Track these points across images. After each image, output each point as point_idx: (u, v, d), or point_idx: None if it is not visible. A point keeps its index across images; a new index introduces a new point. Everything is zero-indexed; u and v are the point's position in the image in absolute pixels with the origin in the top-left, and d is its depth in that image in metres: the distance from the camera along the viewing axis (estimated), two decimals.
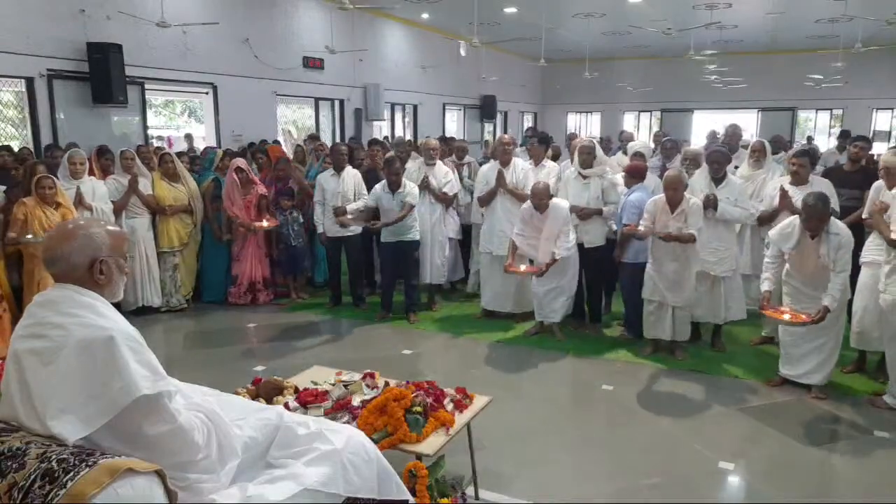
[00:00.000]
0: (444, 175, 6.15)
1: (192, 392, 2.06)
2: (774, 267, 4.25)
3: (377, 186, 5.81)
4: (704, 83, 18.48)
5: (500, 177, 5.72)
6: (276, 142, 10.00)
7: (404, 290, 5.96)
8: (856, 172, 5.51)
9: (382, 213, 5.77)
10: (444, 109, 16.84)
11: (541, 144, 6.43)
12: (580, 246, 5.34)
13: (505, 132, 17.75)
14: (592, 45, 16.18)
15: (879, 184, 4.55)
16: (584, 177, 5.43)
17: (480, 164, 6.97)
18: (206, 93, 10.07)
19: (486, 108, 18.29)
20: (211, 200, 6.37)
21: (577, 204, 5.36)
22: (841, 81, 16.48)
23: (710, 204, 4.79)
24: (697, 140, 17.57)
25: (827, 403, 4.17)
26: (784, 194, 4.90)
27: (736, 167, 5.74)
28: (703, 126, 18.62)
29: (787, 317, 4.04)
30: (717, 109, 20.23)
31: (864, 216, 4.66)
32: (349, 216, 5.90)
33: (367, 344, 5.39)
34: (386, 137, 12.90)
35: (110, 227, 1.93)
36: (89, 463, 1.55)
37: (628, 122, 22.24)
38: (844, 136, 8.69)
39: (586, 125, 23.24)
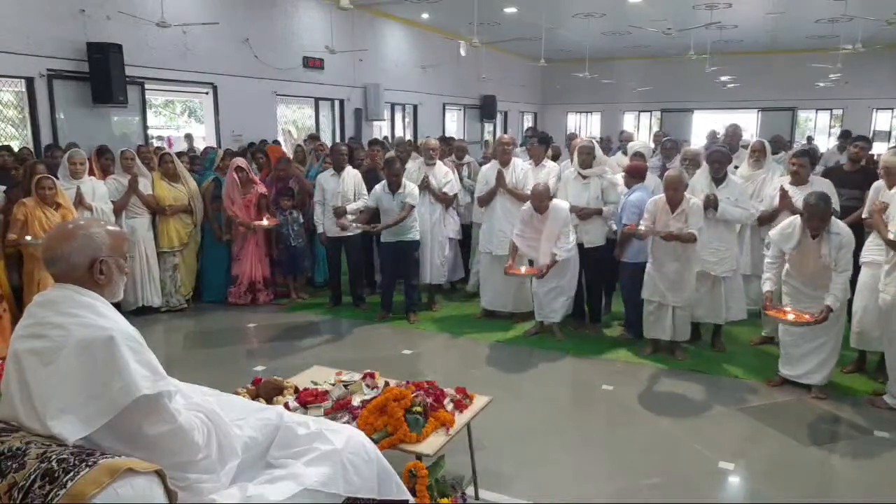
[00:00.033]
0: (444, 175, 6.15)
1: (192, 392, 2.06)
2: (776, 267, 4.25)
3: (377, 187, 5.81)
4: (704, 83, 18.47)
5: (500, 177, 5.72)
6: (276, 142, 10.01)
7: (404, 290, 5.95)
8: (856, 172, 5.52)
9: (382, 213, 5.77)
10: (444, 109, 16.84)
11: (541, 144, 6.43)
12: (580, 246, 5.34)
13: (505, 132, 17.75)
14: (592, 45, 16.18)
15: (879, 184, 4.55)
16: (584, 177, 5.43)
17: (480, 165, 6.97)
18: (206, 93, 10.07)
19: (486, 108, 18.29)
20: (211, 200, 6.37)
21: (576, 204, 5.36)
22: (841, 81, 16.47)
23: (711, 204, 4.79)
24: (697, 140, 17.58)
25: (827, 403, 4.17)
26: (784, 194, 4.90)
27: (736, 167, 5.74)
28: (703, 126, 18.62)
29: (790, 316, 4.03)
30: (717, 109, 20.23)
31: (863, 216, 4.66)
32: (349, 216, 5.90)
33: (367, 344, 5.39)
34: (386, 137, 12.91)
35: (110, 227, 1.93)
36: (89, 463, 1.55)
37: (628, 122, 22.23)
38: (845, 136, 8.69)
39: (586, 125, 23.24)
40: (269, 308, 6.35)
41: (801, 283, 4.23)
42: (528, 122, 22.25)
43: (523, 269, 5.21)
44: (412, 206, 5.66)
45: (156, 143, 9.83)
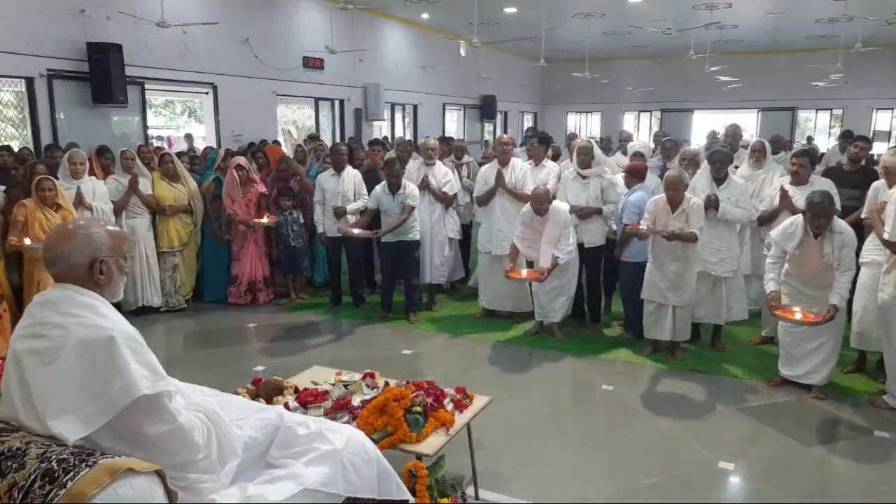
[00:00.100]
0: (444, 175, 6.15)
1: (192, 392, 2.06)
2: (778, 267, 4.25)
3: (377, 188, 5.81)
4: (704, 83, 18.47)
5: (500, 177, 5.71)
6: (276, 142, 10.00)
7: (404, 290, 5.95)
8: (856, 172, 5.52)
9: (383, 213, 5.77)
10: (444, 109, 16.85)
11: (541, 144, 6.43)
12: (580, 246, 5.34)
13: (505, 132, 17.75)
14: (592, 45, 16.18)
15: (879, 183, 4.56)
16: (583, 177, 5.43)
17: (480, 165, 6.97)
18: (206, 93, 10.07)
19: (486, 108, 18.30)
20: (211, 200, 6.37)
21: (576, 204, 5.36)
22: (841, 81, 16.48)
23: (712, 204, 4.79)
24: (697, 140, 17.59)
25: (827, 403, 4.17)
26: (784, 194, 4.90)
27: (736, 167, 5.74)
28: (703, 126, 18.63)
29: (798, 316, 4.01)
30: (717, 109, 20.23)
31: (862, 216, 4.67)
32: (349, 216, 5.92)
33: (367, 344, 5.39)
34: (385, 137, 12.91)
35: (110, 227, 1.93)
36: (89, 463, 1.55)
37: (628, 122, 22.23)
38: (846, 136, 8.70)
39: (586, 125, 23.24)
40: (269, 308, 6.35)
41: (801, 283, 4.23)
42: (528, 122, 22.25)
43: (524, 273, 5.18)
44: (412, 208, 5.66)
45: (156, 143, 9.83)
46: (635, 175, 5.37)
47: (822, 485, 3.37)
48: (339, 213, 5.99)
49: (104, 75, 7.84)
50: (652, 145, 8.31)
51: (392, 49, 14.37)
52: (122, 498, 1.53)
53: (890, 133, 18.69)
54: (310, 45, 11.60)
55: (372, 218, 5.87)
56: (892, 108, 18.64)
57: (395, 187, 5.66)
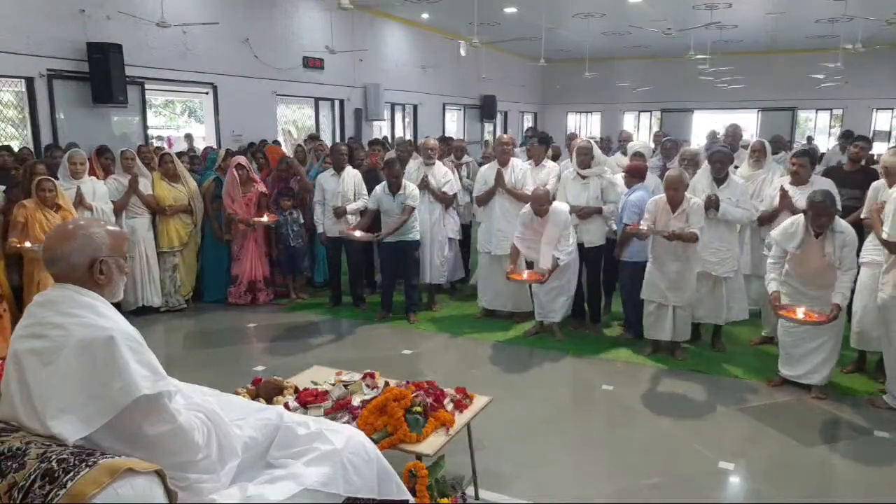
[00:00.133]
0: (444, 175, 6.15)
1: (192, 392, 2.06)
2: (779, 267, 4.24)
3: (377, 188, 5.80)
4: (704, 83, 18.48)
5: (500, 176, 5.71)
6: (276, 142, 10.01)
7: (404, 290, 5.95)
8: (856, 172, 5.52)
9: (383, 214, 5.77)
10: (444, 109, 16.85)
11: (541, 144, 6.43)
12: (580, 246, 5.33)
13: (505, 132, 17.75)
14: (592, 45, 16.18)
15: (878, 183, 4.56)
16: (583, 177, 5.43)
17: (479, 165, 6.96)
18: (206, 93, 10.07)
19: (486, 108, 18.30)
20: (211, 200, 6.37)
21: (576, 204, 5.36)
22: (841, 81, 16.48)
23: (712, 204, 4.79)
24: (697, 140, 17.59)
25: (827, 403, 4.17)
26: (784, 194, 4.90)
27: (736, 167, 5.74)
28: (703, 126, 18.64)
29: (801, 315, 4.00)
30: (717, 109, 20.25)
31: (862, 216, 4.67)
32: (349, 216, 5.93)
33: (367, 344, 5.39)
34: (385, 137, 12.91)
35: (110, 227, 1.93)
36: (89, 463, 1.55)
37: (628, 122, 22.24)
38: (847, 136, 8.71)
39: (586, 125, 23.25)
40: (269, 308, 6.35)
41: (801, 284, 4.22)
42: (528, 122, 22.26)
43: (525, 275, 5.17)
44: (413, 208, 5.66)
45: (156, 143, 9.83)
46: (635, 175, 5.37)
47: (822, 485, 3.37)
48: (339, 213, 5.99)
49: (104, 75, 7.85)
50: (652, 145, 8.31)
51: (392, 49, 14.38)
52: (122, 498, 1.53)
53: (890, 133, 18.70)
54: (310, 45, 11.60)
55: (372, 219, 5.86)
56: (892, 108, 18.66)
57: (395, 188, 5.66)
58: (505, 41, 15.44)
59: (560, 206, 5.11)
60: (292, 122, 13.19)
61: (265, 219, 6.20)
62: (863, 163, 5.71)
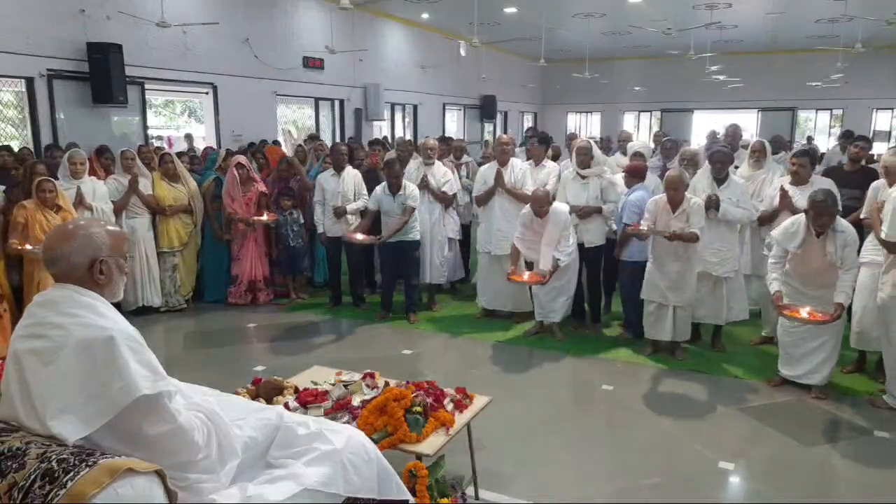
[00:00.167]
0: (443, 175, 6.15)
1: (192, 392, 2.06)
2: (780, 267, 4.23)
3: (377, 189, 5.80)
4: (704, 83, 18.49)
5: (499, 176, 5.71)
6: (276, 142, 10.01)
7: (404, 290, 5.95)
8: (856, 172, 5.52)
9: (383, 214, 5.77)
10: (444, 109, 16.85)
11: (541, 144, 6.43)
12: (580, 245, 5.33)
13: (505, 132, 17.76)
14: (592, 45, 16.19)
15: (878, 183, 4.57)
16: (583, 177, 5.43)
17: (479, 165, 6.96)
18: (206, 93, 10.07)
19: (486, 108, 18.30)
20: (212, 200, 6.37)
21: (576, 204, 5.36)
22: (841, 81, 16.49)
23: (713, 204, 4.79)
24: (697, 140, 17.59)
25: (827, 403, 4.17)
26: (784, 194, 4.90)
27: (736, 167, 5.74)
28: (703, 126, 18.64)
29: (805, 315, 4.00)
30: (717, 109, 20.25)
31: (862, 216, 4.67)
32: (349, 216, 5.93)
33: (367, 344, 5.39)
34: (385, 137, 12.91)
35: (110, 227, 1.93)
36: (89, 463, 1.55)
37: (628, 122, 22.25)
38: (847, 136, 8.71)
39: (586, 125, 23.26)
40: (269, 308, 6.35)
41: (801, 283, 4.22)
42: (528, 122, 22.27)
43: (526, 276, 5.15)
44: (413, 209, 5.66)
45: (156, 143, 9.83)
46: (635, 175, 5.37)
47: (822, 485, 3.37)
48: (339, 213, 5.99)
49: (104, 75, 7.85)
50: (652, 145, 8.31)
51: (392, 49, 14.38)
52: (122, 498, 1.53)
53: (890, 133, 18.71)
54: (310, 45, 11.60)
55: (372, 220, 5.86)
56: (892, 108, 18.66)
57: (395, 188, 5.66)
58: (505, 41, 15.44)
59: (560, 207, 5.11)
60: (292, 122, 13.19)
61: (265, 217, 6.20)
62: (863, 163, 5.70)
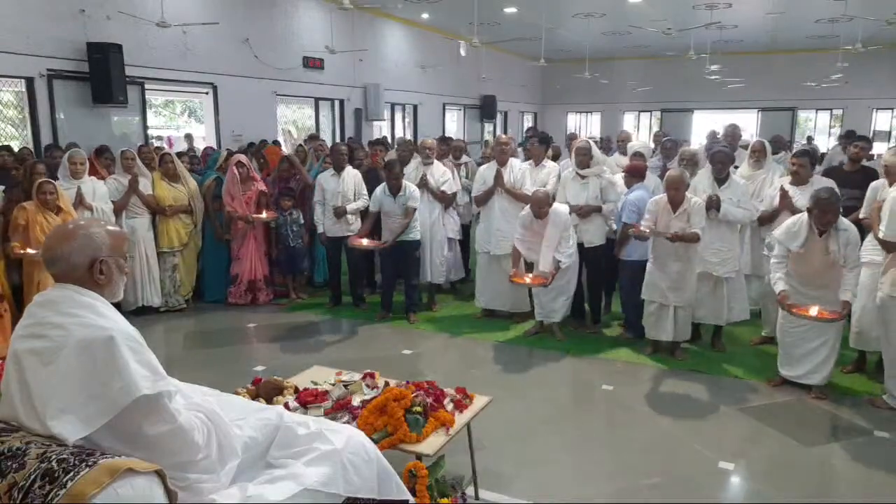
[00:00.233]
0: (442, 174, 6.16)
1: (192, 392, 2.06)
2: (783, 266, 4.23)
3: (378, 190, 5.80)
4: (704, 83, 18.49)
5: (499, 176, 5.71)
6: (276, 142, 10.01)
7: (404, 290, 5.95)
8: (856, 172, 5.52)
9: (384, 215, 5.77)
10: (444, 109, 16.85)
11: (541, 144, 6.43)
12: (580, 246, 5.33)
13: (505, 132, 17.77)
14: (592, 45, 16.18)
15: (877, 183, 4.57)
16: (583, 177, 5.43)
17: (479, 164, 6.96)
18: (206, 93, 10.07)
19: (486, 108, 18.30)
20: (212, 199, 6.37)
21: (576, 204, 5.35)
22: (841, 81, 16.49)
23: (714, 205, 4.79)
24: (698, 140, 17.59)
25: (827, 403, 4.17)
26: (784, 194, 4.90)
27: (736, 167, 5.74)
28: (703, 126, 18.64)
29: (813, 313, 3.98)
30: (717, 109, 20.25)
31: (861, 216, 4.67)
32: (350, 216, 5.94)
33: (367, 344, 5.39)
34: (385, 137, 12.91)
35: (110, 227, 1.93)
36: (89, 463, 1.55)
37: (628, 122, 22.26)
38: (849, 136, 8.72)
39: (586, 125, 23.26)
40: (269, 308, 6.35)
41: (801, 283, 4.22)
42: (528, 122, 22.26)
43: (528, 279, 5.12)
44: (414, 209, 5.66)
45: (156, 143, 9.84)
46: (635, 175, 5.37)
47: (822, 485, 3.37)
48: (339, 213, 5.99)
49: (104, 75, 7.85)
50: (652, 145, 8.31)
51: (392, 49, 14.37)
52: (122, 498, 1.53)
53: (890, 133, 18.70)
54: (310, 45, 11.60)
55: (373, 223, 5.85)
56: (892, 108, 18.66)
57: (395, 189, 5.65)
58: (505, 41, 15.43)
59: (560, 208, 5.10)
60: (292, 122, 13.20)
61: (264, 215, 6.20)
62: (863, 163, 5.71)
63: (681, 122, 20.91)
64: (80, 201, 5.29)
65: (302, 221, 6.46)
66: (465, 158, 7.26)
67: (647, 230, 4.62)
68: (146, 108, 9.27)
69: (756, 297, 5.37)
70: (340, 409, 2.84)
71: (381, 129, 14.17)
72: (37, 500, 1.49)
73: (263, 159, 7.44)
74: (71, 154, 5.52)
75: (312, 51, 11.61)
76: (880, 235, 3.95)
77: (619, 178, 5.59)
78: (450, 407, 2.87)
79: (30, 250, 4.69)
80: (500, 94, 18.57)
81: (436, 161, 6.26)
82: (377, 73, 13.57)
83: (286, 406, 2.71)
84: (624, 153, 6.97)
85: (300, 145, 7.73)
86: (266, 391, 2.95)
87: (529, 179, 5.74)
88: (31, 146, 7.44)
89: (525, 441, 3.67)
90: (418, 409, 2.72)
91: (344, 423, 2.53)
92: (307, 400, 2.85)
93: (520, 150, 8.62)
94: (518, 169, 5.80)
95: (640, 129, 21.66)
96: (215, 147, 9.27)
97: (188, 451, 1.81)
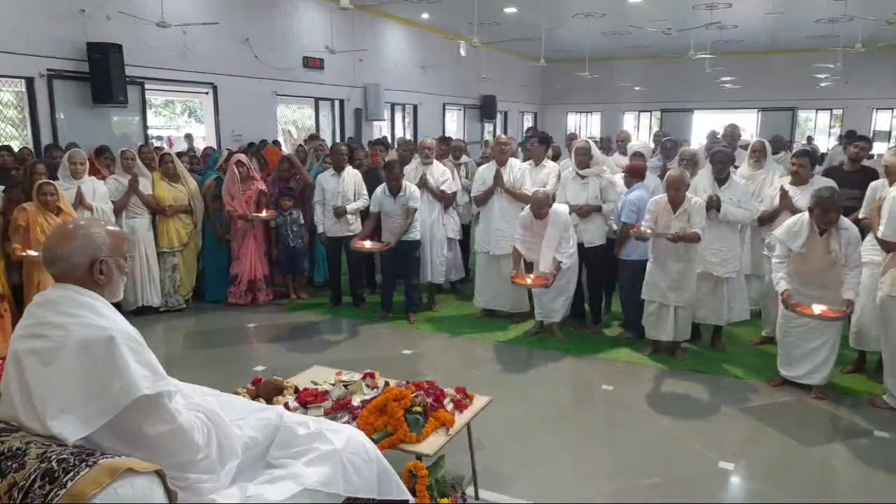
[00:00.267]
0: (441, 174, 6.16)
1: (192, 392, 2.06)
2: (785, 266, 4.22)
3: (378, 191, 5.80)
4: (704, 83, 18.50)
5: (498, 176, 5.71)
6: (276, 142, 10.01)
7: (404, 290, 5.95)
8: (856, 172, 5.52)
9: (384, 216, 5.77)
10: (444, 109, 16.85)
11: (541, 144, 6.43)
12: (580, 246, 5.33)
13: (505, 132, 17.77)
14: (592, 45, 16.18)
15: (877, 183, 4.57)
16: (582, 177, 5.43)
17: (478, 165, 6.96)
18: (206, 93, 10.07)
19: (486, 108, 18.30)
20: (212, 199, 6.37)
21: (575, 204, 5.35)
22: (841, 81, 16.49)
23: (714, 205, 4.79)
24: (698, 140, 17.59)
25: (827, 403, 4.17)
26: (784, 194, 4.90)
27: (736, 167, 5.74)
28: (703, 126, 18.64)
29: (818, 311, 3.98)
30: (717, 109, 20.25)
31: (861, 216, 4.67)
32: (350, 216, 5.95)
33: (367, 344, 5.39)
34: (384, 137, 12.91)
35: (110, 227, 1.93)
36: (89, 463, 1.55)
37: (628, 122, 22.26)
38: (849, 136, 8.72)
39: (586, 125, 23.26)
40: (269, 308, 6.35)
41: (801, 283, 4.21)
42: (528, 122, 22.26)
43: (529, 280, 5.10)
44: (415, 209, 5.66)
45: (156, 143, 9.84)
46: (635, 175, 5.37)
47: (822, 485, 3.37)
48: (339, 212, 5.99)
49: (104, 75, 7.85)
50: (652, 145, 8.31)
51: (392, 49, 14.38)
52: (122, 498, 1.53)
53: (890, 133, 18.71)
54: (310, 45, 11.60)
55: (374, 224, 5.85)
56: (892, 108, 18.66)
57: (395, 189, 5.65)
58: (505, 41, 15.44)
59: (560, 209, 5.10)
60: (292, 122, 13.20)
61: (264, 214, 6.20)
62: (863, 163, 5.71)
63: (681, 122, 20.91)
64: (80, 201, 5.29)
65: (302, 221, 6.46)
66: (464, 158, 7.26)
67: (648, 230, 4.62)
68: (146, 108, 9.28)
69: (756, 297, 5.37)
70: (340, 409, 2.84)
71: (381, 129, 14.17)
72: (37, 500, 1.49)
73: (263, 159, 7.44)
74: (71, 154, 5.51)
75: (312, 51, 11.61)
76: (880, 235, 3.95)
77: (618, 177, 5.59)
78: (450, 407, 2.87)
79: (30, 252, 4.68)
80: (500, 94, 18.57)
81: (435, 161, 6.26)
82: (377, 73, 13.57)
83: (286, 406, 2.71)
84: (624, 153, 6.97)
85: (300, 145, 7.73)
86: (266, 391, 2.95)
87: (529, 179, 5.74)
88: (31, 146, 7.45)
89: (525, 441, 3.67)
90: (418, 409, 2.72)
91: (344, 423, 2.53)
92: (307, 400, 2.85)
93: (520, 150, 8.60)
94: (518, 169, 5.80)
95: (640, 129, 21.66)
96: (215, 147, 9.27)
97: (188, 451, 1.81)
